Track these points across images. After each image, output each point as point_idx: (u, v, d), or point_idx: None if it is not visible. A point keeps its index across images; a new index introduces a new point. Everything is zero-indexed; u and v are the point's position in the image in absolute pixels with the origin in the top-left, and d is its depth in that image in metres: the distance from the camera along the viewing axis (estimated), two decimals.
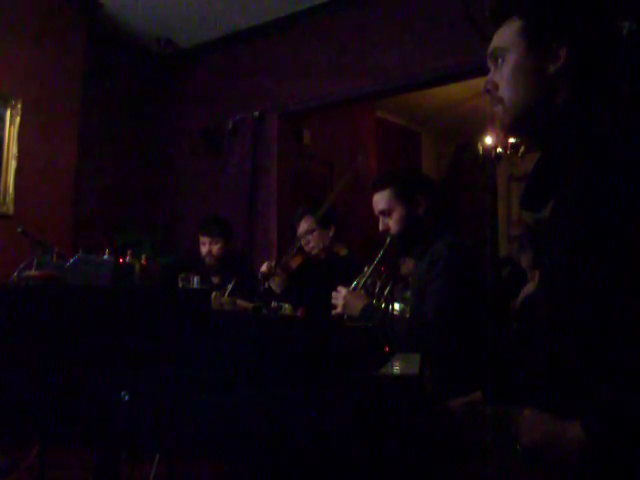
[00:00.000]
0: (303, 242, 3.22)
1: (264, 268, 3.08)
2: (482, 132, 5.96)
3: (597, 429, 0.99)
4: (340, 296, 2.31)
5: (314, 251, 3.20)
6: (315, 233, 3.19)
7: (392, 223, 2.29)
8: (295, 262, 3.15)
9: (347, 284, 2.37)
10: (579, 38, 1.18)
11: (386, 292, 2.42)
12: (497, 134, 5.84)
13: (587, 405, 1.03)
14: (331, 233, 3.22)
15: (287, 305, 2.35)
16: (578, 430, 1.01)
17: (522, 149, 5.87)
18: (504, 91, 1.24)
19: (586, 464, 1.01)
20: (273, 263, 3.11)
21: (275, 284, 3.08)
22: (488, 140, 5.94)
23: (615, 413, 0.98)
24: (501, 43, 1.25)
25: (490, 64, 1.28)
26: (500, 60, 1.25)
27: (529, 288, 3.98)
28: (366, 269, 2.41)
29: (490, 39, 1.29)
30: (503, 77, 1.24)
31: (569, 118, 1.17)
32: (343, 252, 3.25)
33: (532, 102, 1.21)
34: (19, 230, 2.27)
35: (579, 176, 1.09)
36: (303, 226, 3.22)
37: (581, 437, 1.00)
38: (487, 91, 1.28)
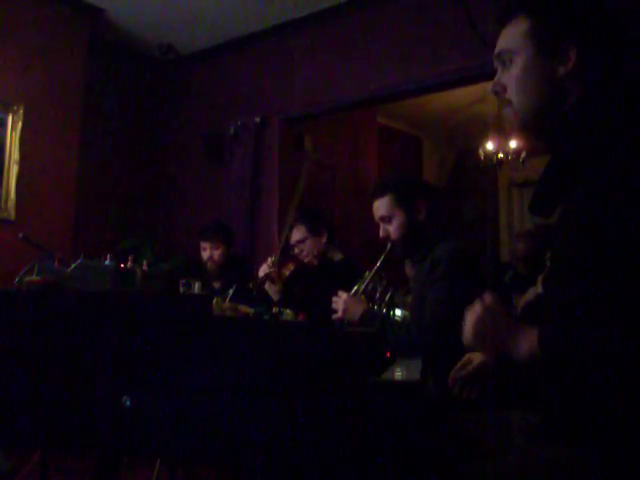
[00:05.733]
0: (297, 251, 3.22)
1: (261, 272, 3.07)
2: (484, 138, 5.96)
3: (550, 348, 1.06)
4: (341, 301, 2.31)
5: (308, 259, 3.19)
6: (307, 241, 3.19)
7: (392, 229, 2.29)
8: (287, 269, 3.14)
9: (344, 289, 2.37)
10: (589, 39, 1.15)
11: (387, 298, 2.42)
12: (499, 139, 5.84)
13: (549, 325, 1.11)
14: (323, 239, 3.21)
15: (288, 310, 2.35)
16: (533, 337, 1.07)
17: (523, 155, 5.86)
18: (513, 94, 1.22)
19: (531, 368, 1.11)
20: (271, 267, 3.08)
21: (272, 292, 3.08)
22: (489, 146, 5.94)
23: (570, 343, 1.04)
24: (508, 45, 1.22)
25: (497, 65, 1.26)
26: (508, 62, 1.22)
27: (530, 294, 3.97)
28: (367, 274, 2.41)
29: (492, 45, 1.28)
30: (511, 80, 1.22)
31: (579, 121, 1.14)
32: (338, 257, 3.24)
33: (542, 105, 1.19)
34: (21, 236, 2.27)
35: (588, 181, 1.06)
36: (295, 236, 3.22)
37: (534, 344, 1.07)
38: (495, 93, 1.26)
